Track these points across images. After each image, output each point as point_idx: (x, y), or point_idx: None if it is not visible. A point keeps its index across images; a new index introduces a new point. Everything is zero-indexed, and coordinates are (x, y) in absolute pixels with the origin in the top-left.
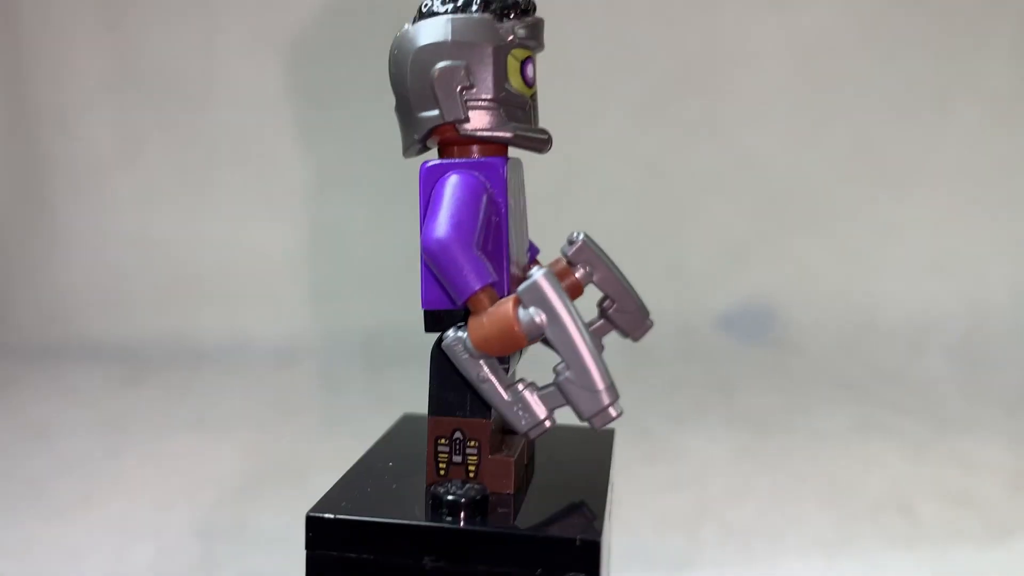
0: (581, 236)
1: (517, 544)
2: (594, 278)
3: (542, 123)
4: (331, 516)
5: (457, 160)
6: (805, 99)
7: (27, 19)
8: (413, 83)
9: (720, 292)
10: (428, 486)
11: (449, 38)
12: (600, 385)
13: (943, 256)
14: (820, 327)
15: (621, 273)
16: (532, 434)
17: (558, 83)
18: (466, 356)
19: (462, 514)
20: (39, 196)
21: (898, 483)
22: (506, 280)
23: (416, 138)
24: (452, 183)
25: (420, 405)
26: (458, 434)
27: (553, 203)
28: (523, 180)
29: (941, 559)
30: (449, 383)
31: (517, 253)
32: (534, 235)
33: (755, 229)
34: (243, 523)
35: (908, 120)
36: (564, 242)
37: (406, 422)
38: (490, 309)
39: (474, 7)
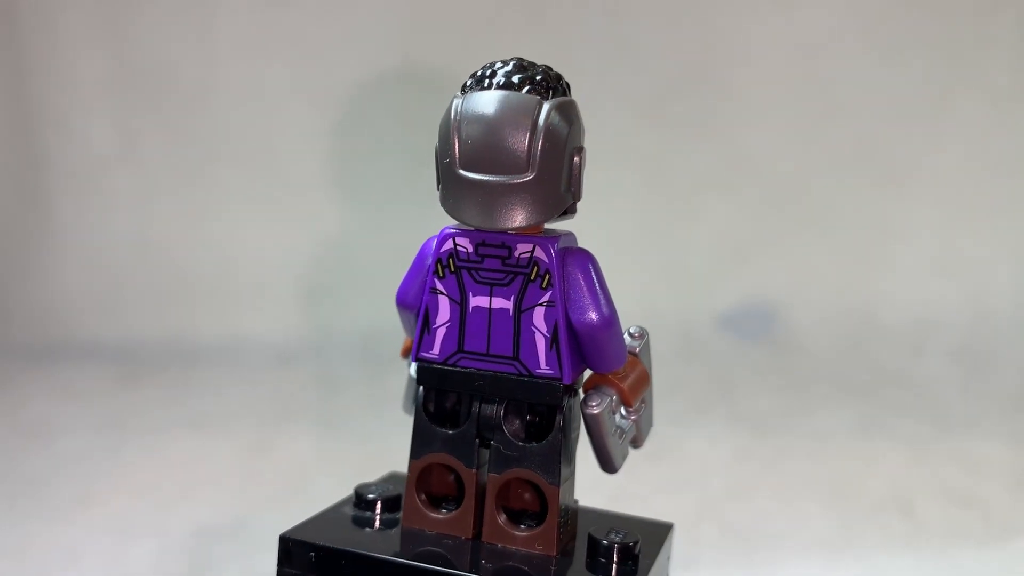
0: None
1: None
2: None
3: None
4: None
5: (563, 235)
6: (805, 98)
7: (27, 19)
8: (568, 162)
9: (720, 292)
10: (563, 553)
11: (580, 121)
12: None
13: (944, 256)
14: (821, 327)
15: None
16: (620, 468)
17: None
18: (610, 417)
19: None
20: (38, 196)
21: (899, 483)
22: None
23: (557, 214)
24: (592, 263)
25: None
26: (568, 495)
27: None
28: None
29: (942, 559)
30: (567, 449)
31: None
32: None
33: (755, 229)
34: (243, 523)
35: (909, 119)
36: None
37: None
38: (638, 367)
39: (569, 91)
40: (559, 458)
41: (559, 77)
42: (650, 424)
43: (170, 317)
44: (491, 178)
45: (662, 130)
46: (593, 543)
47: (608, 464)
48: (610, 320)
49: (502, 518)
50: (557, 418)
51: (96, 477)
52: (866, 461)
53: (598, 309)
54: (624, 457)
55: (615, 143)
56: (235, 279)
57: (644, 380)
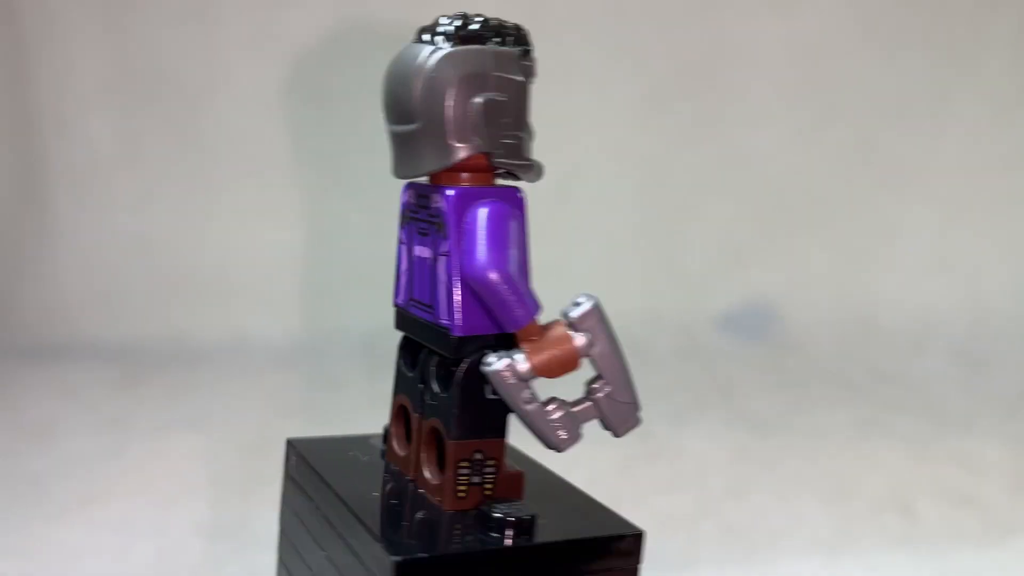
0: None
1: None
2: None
3: (541, 124)
4: (422, 556)
5: (484, 188)
6: (805, 99)
7: (27, 19)
8: (454, 112)
9: (720, 292)
10: (458, 512)
11: (492, 72)
12: (637, 399)
13: (943, 256)
14: (820, 327)
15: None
16: (566, 449)
17: (558, 83)
18: (513, 381)
19: (511, 532)
20: (39, 196)
21: (898, 483)
22: None
23: (446, 164)
24: (493, 213)
25: None
26: (478, 455)
27: (552, 203)
28: None
29: (941, 559)
30: (472, 406)
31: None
32: (534, 236)
33: (755, 229)
34: (243, 523)
35: (908, 120)
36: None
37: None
38: (548, 334)
39: (507, 43)
40: (456, 411)
41: (488, 27)
42: (634, 408)
43: (170, 317)
44: (394, 128)
45: (662, 130)
46: (482, 514)
47: (541, 439)
48: (489, 267)
49: (428, 465)
50: (456, 370)
51: (97, 477)
52: (865, 461)
53: (480, 256)
54: (566, 438)
55: (615, 143)
56: (236, 279)
57: (566, 354)
